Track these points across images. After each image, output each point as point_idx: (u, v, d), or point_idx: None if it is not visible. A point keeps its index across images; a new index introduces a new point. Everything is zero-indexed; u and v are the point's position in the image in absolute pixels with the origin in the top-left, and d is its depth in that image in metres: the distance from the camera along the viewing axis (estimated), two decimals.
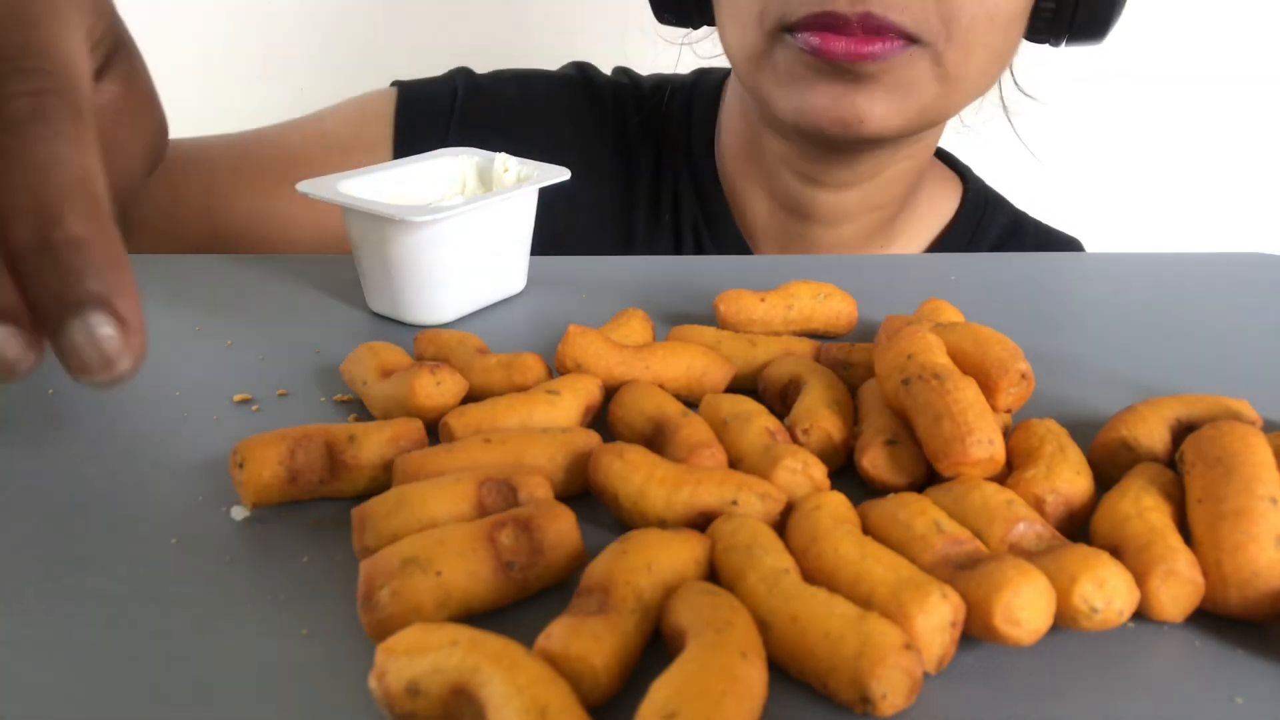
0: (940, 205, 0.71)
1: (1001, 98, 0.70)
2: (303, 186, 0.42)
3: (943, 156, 0.74)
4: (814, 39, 0.51)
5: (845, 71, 0.52)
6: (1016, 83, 0.69)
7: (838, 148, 0.59)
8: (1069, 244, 0.74)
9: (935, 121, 0.58)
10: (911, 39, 0.52)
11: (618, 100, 0.71)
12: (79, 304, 0.22)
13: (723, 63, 0.64)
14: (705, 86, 0.70)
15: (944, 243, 0.70)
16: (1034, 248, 0.72)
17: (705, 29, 0.66)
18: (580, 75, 0.72)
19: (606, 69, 0.74)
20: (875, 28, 0.50)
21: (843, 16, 0.50)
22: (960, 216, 0.70)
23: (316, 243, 0.63)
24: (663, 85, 0.72)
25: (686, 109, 0.70)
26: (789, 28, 0.53)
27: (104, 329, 0.23)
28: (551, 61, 0.75)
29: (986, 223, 0.71)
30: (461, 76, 0.70)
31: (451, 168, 0.47)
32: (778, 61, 0.55)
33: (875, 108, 0.54)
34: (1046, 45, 0.61)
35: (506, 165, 0.46)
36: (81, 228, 0.23)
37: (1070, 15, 0.57)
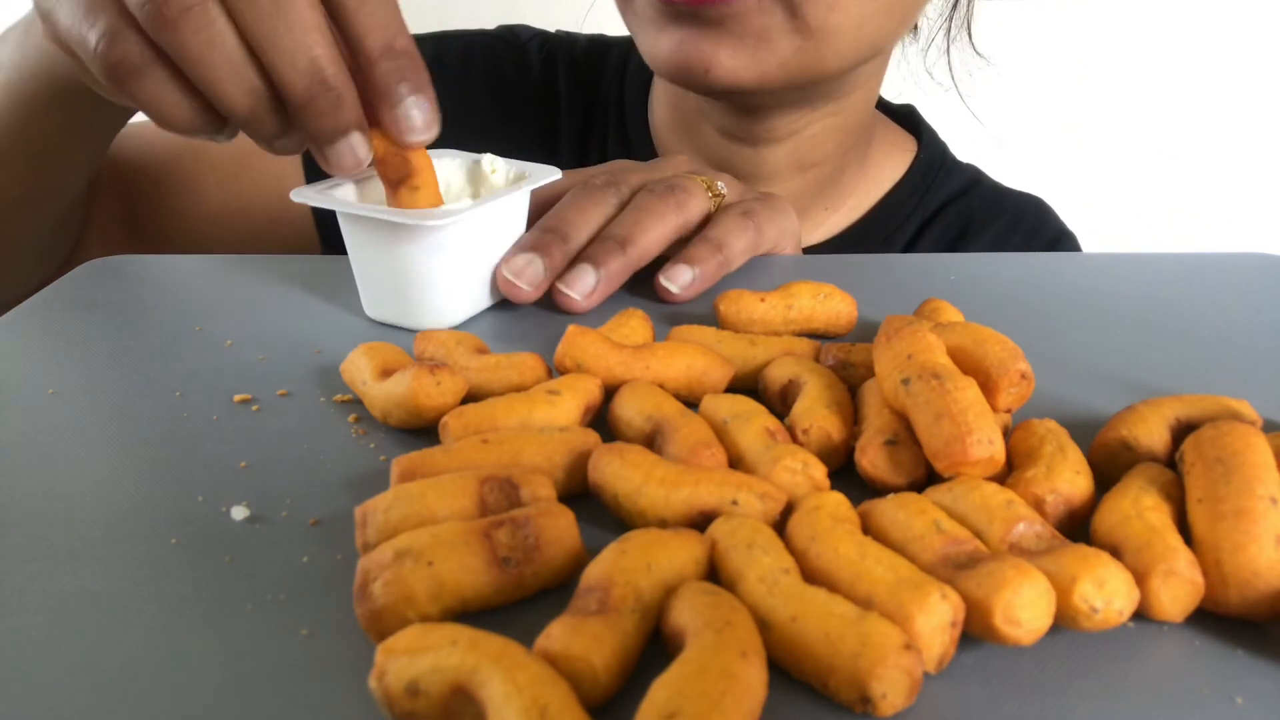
0: (889, 169, 0.69)
1: (950, 70, 0.67)
2: (297, 195, 0.41)
3: (903, 118, 0.72)
4: None
5: (692, 16, 0.51)
6: (972, 41, 0.66)
7: (716, 95, 0.57)
8: (1025, 203, 0.71)
9: (810, 78, 0.55)
10: None
11: (546, 58, 0.70)
12: (414, 89, 0.37)
13: None
14: None
15: (890, 204, 0.68)
16: (985, 205, 0.69)
17: None
18: (506, 34, 0.71)
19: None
20: None
21: None
22: (907, 179, 0.68)
23: (245, 231, 0.64)
24: (599, 43, 0.71)
25: (622, 66, 0.69)
26: None
27: (424, 104, 0.38)
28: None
29: (937, 185, 0.68)
30: None
31: (436, 170, 0.47)
32: (636, 2, 0.54)
33: (723, 56, 0.52)
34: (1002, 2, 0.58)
35: (494, 166, 0.45)
36: (407, 43, 0.37)
37: None
